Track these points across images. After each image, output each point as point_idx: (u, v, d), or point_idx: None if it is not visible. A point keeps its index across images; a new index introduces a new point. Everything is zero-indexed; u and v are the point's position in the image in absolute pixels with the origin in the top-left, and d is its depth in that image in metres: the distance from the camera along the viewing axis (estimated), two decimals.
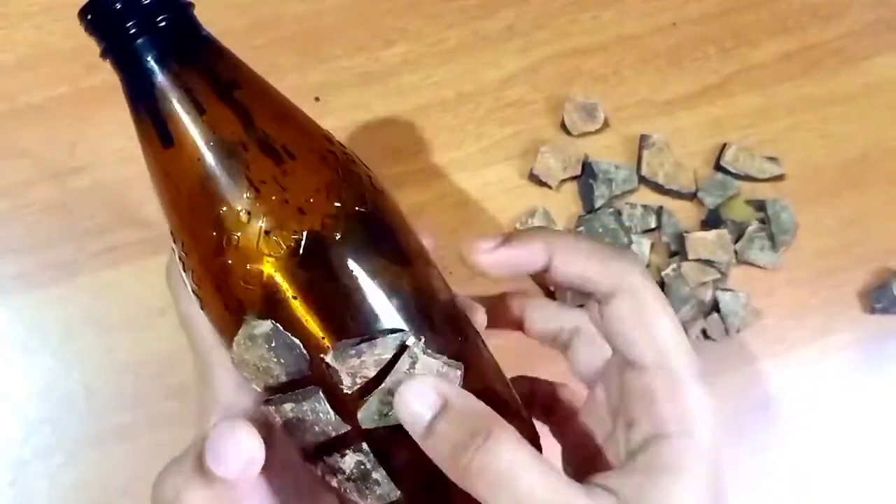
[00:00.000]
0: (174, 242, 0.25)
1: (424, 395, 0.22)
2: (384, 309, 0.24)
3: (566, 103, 0.44)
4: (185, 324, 0.28)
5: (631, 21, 0.46)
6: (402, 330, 0.23)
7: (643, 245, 0.41)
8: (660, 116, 0.44)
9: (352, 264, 0.23)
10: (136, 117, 0.24)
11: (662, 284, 0.40)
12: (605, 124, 0.44)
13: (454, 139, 0.44)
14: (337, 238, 0.23)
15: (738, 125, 0.44)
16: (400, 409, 0.22)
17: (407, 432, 0.23)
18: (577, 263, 0.25)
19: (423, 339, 0.24)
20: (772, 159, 0.43)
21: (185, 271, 0.25)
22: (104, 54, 0.24)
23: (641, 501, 0.21)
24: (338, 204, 0.24)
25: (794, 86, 0.45)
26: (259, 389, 0.24)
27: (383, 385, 0.23)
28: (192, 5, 0.24)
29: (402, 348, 0.23)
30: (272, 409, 0.24)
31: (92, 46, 0.24)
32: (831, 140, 0.44)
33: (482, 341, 0.28)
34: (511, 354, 0.40)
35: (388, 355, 0.23)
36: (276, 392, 0.24)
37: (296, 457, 0.26)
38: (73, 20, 0.24)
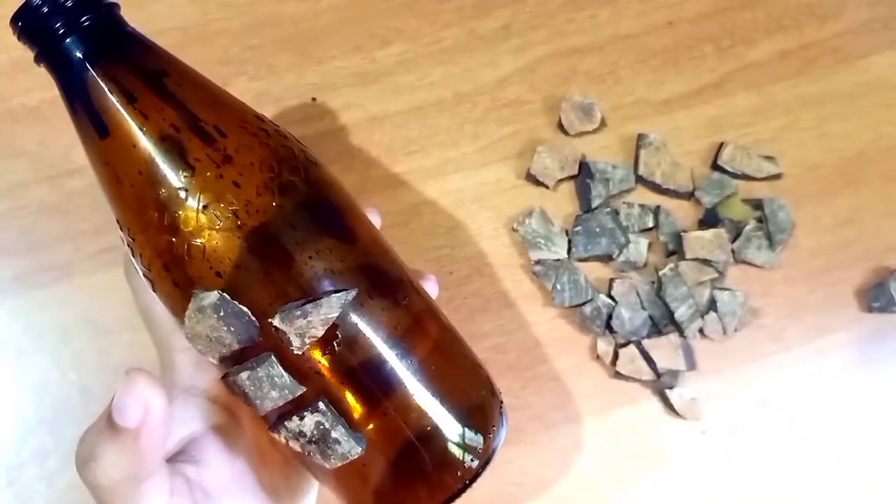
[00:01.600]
0: (121, 231, 0.26)
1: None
2: (324, 270, 0.25)
3: (563, 103, 0.43)
4: (144, 313, 0.29)
5: (627, 20, 0.46)
6: (345, 290, 0.24)
7: (641, 244, 0.41)
8: (657, 116, 0.44)
9: (288, 231, 0.25)
10: (73, 114, 0.25)
11: (660, 283, 0.40)
12: (602, 124, 0.44)
13: (451, 139, 0.44)
14: (272, 206, 0.24)
15: (735, 124, 0.44)
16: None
17: (375, 375, 0.25)
18: None
19: (365, 297, 0.25)
20: (769, 158, 0.43)
21: (133, 257, 0.26)
22: (37, 59, 0.25)
23: None
24: (271, 175, 0.25)
25: (790, 84, 0.45)
26: (215, 361, 0.25)
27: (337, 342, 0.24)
28: (116, 5, 0.26)
29: (351, 307, 0.24)
30: (230, 380, 0.25)
31: None
32: (828, 139, 0.44)
33: (433, 304, 0.29)
34: (510, 352, 0.40)
35: (334, 314, 0.24)
36: (232, 363, 0.25)
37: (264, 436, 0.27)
38: None
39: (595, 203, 0.42)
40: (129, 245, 0.26)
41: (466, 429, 0.26)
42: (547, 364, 0.40)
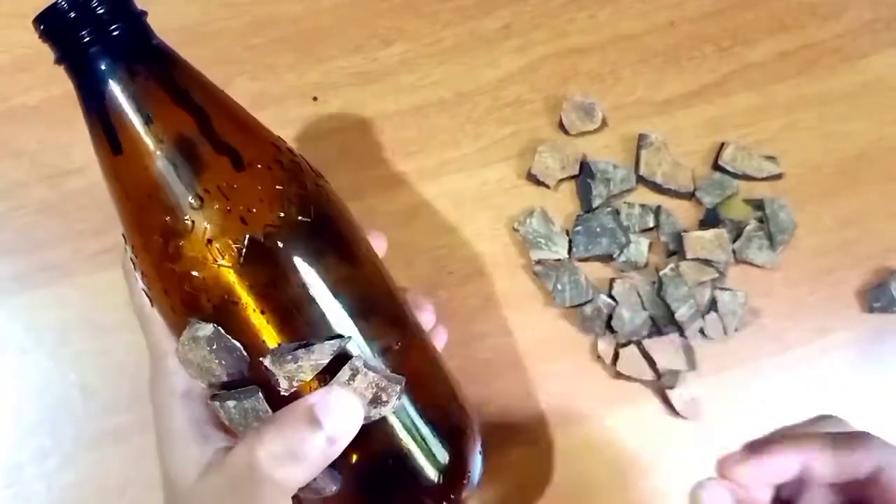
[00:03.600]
0: (126, 243, 0.26)
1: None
2: (322, 315, 0.25)
3: (564, 103, 0.43)
4: (139, 314, 0.29)
5: (628, 20, 0.46)
6: (340, 336, 0.24)
7: (641, 244, 0.41)
8: (658, 116, 0.44)
9: (291, 273, 0.24)
10: (89, 123, 0.25)
11: (661, 283, 0.40)
12: (603, 124, 0.44)
13: (452, 139, 0.44)
14: (278, 248, 0.24)
15: (735, 124, 0.44)
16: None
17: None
18: (842, 460, 0.25)
19: (360, 349, 0.25)
20: (770, 158, 0.43)
21: (135, 270, 0.26)
22: (59, 61, 0.24)
23: None
24: (281, 214, 0.24)
25: (791, 84, 0.45)
26: (204, 385, 0.26)
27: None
28: (144, 14, 0.25)
29: (343, 356, 0.24)
30: (217, 404, 0.25)
31: None
32: (829, 139, 0.44)
33: (425, 340, 0.29)
34: (510, 352, 0.40)
35: (325, 361, 0.24)
36: (220, 389, 0.25)
37: None
38: None
39: (596, 203, 0.42)
40: (131, 259, 0.26)
41: (441, 473, 0.27)
42: (547, 364, 0.40)
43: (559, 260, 0.41)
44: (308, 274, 0.24)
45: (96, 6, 0.23)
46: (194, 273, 0.24)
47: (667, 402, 0.40)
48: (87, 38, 0.23)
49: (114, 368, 0.39)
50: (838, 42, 0.46)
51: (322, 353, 0.24)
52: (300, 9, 0.45)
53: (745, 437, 0.39)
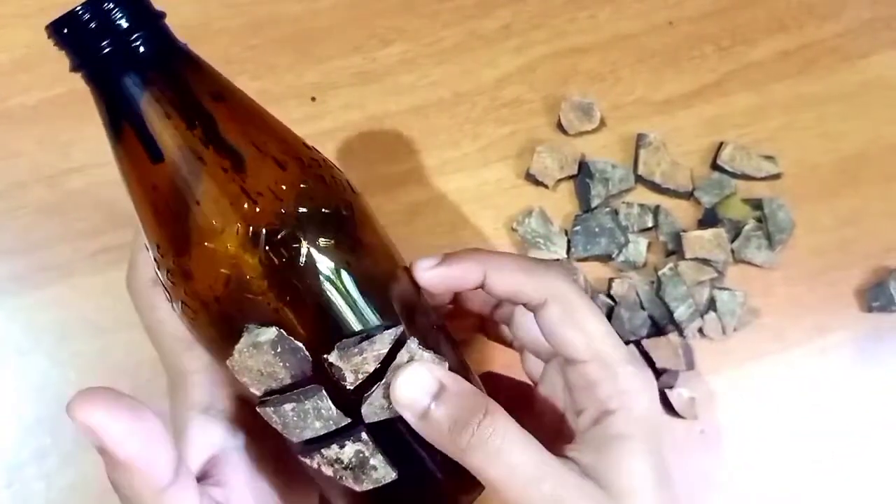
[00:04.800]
0: (158, 255, 0.25)
1: (422, 379, 0.24)
2: (376, 307, 0.25)
3: (563, 103, 0.43)
4: (154, 333, 0.29)
5: (627, 20, 0.46)
6: (394, 325, 0.25)
7: (640, 244, 0.41)
8: (656, 115, 0.44)
9: (344, 268, 0.24)
10: (115, 134, 0.24)
11: (659, 283, 0.40)
12: (602, 123, 0.44)
13: (451, 139, 0.44)
14: (332, 244, 0.24)
15: (734, 124, 0.44)
16: (400, 392, 0.24)
17: (404, 419, 0.24)
18: (509, 279, 0.27)
19: (415, 336, 0.25)
20: (768, 158, 0.43)
21: (172, 283, 0.25)
22: (77, 69, 0.23)
23: (597, 466, 0.25)
24: (328, 211, 0.25)
25: (790, 84, 0.45)
26: (258, 393, 0.25)
27: (385, 380, 0.24)
28: (163, 15, 0.24)
29: (399, 344, 0.24)
30: (270, 409, 0.24)
31: None
32: (828, 138, 0.44)
33: (450, 334, 0.29)
34: (509, 353, 0.40)
35: (385, 350, 0.24)
36: (276, 393, 0.25)
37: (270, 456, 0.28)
38: None
39: (594, 203, 0.42)
40: (165, 272, 0.25)
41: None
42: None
43: (558, 260, 0.41)
44: (360, 268, 0.25)
45: (116, 13, 0.22)
46: (251, 278, 0.23)
47: (665, 401, 0.40)
48: (109, 50, 0.22)
49: (113, 368, 0.39)
50: (837, 42, 0.46)
51: (383, 343, 0.24)
52: (299, 9, 0.45)
53: (744, 437, 0.39)
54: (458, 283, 0.27)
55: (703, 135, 0.44)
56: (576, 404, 0.27)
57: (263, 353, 0.24)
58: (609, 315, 0.40)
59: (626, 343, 0.40)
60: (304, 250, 0.23)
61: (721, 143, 0.43)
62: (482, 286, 0.27)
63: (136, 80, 0.23)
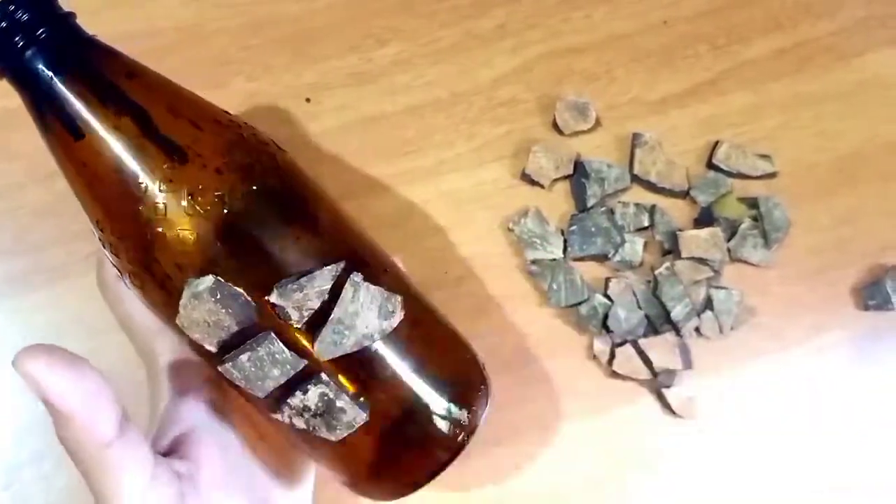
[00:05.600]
0: (101, 233, 0.26)
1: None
2: (311, 247, 0.26)
3: (558, 102, 0.43)
4: (123, 323, 0.29)
5: (622, 20, 0.46)
6: (335, 261, 0.25)
7: (636, 244, 0.41)
8: (652, 115, 0.44)
9: (273, 212, 0.26)
10: (42, 122, 0.25)
11: (656, 282, 0.40)
12: (597, 123, 0.44)
13: (446, 139, 0.44)
14: (255, 190, 0.25)
15: (730, 123, 0.44)
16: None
17: (361, 354, 0.25)
18: None
19: (349, 272, 0.26)
20: (764, 157, 0.43)
21: (117, 257, 0.26)
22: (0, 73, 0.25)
23: None
24: (249, 161, 0.26)
25: (786, 83, 0.45)
26: (213, 349, 0.25)
27: (332, 315, 0.25)
28: (72, 15, 0.26)
29: (343, 278, 0.25)
30: (230, 365, 0.25)
31: None
32: (824, 137, 0.44)
33: (410, 282, 0.30)
34: (506, 352, 0.40)
35: (328, 285, 0.25)
36: (230, 348, 0.25)
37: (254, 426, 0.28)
38: None
39: (590, 202, 0.42)
40: (109, 247, 0.26)
41: (451, 404, 0.27)
42: (543, 364, 0.40)
43: (554, 260, 0.41)
44: (289, 210, 0.26)
45: (19, 15, 0.24)
46: (181, 231, 0.24)
47: (663, 401, 0.40)
48: (20, 45, 0.24)
49: (108, 370, 0.38)
50: (833, 40, 0.46)
51: (324, 278, 0.25)
52: (296, 9, 0.46)
53: (742, 436, 0.39)
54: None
55: (698, 134, 0.44)
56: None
57: (204, 302, 0.24)
58: (605, 315, 0.40)
59: (623, 343, 0.40)
60: (226, 199, 0.25)
61: (717, 142, 0.43)
62: None
63: (50, 68, 0.25)
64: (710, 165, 0.43)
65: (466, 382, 0.29)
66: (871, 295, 0.41)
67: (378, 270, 0.28)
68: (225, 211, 0.25)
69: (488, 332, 0.41)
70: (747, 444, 0.40)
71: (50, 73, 0.25)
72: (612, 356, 0.40)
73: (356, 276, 0.25)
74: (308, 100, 0.44)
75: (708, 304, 0.41)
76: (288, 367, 0.25)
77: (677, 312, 0.40)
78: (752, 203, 0.42)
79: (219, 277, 0.24)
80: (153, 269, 0.25)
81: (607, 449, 0.39)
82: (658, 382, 0.40)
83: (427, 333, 0.29)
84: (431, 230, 0.42)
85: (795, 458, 0.40)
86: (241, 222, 0.25)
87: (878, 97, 0.45)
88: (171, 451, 0.27)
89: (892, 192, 0.44)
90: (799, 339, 0.41)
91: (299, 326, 0.25)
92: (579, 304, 0.40)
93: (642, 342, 0.40)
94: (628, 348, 0.40)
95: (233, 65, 0.44)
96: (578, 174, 0.42)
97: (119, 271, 0.27)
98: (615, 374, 0.40)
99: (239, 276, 0.25)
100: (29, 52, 0.24)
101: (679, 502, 0.39)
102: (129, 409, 0.38)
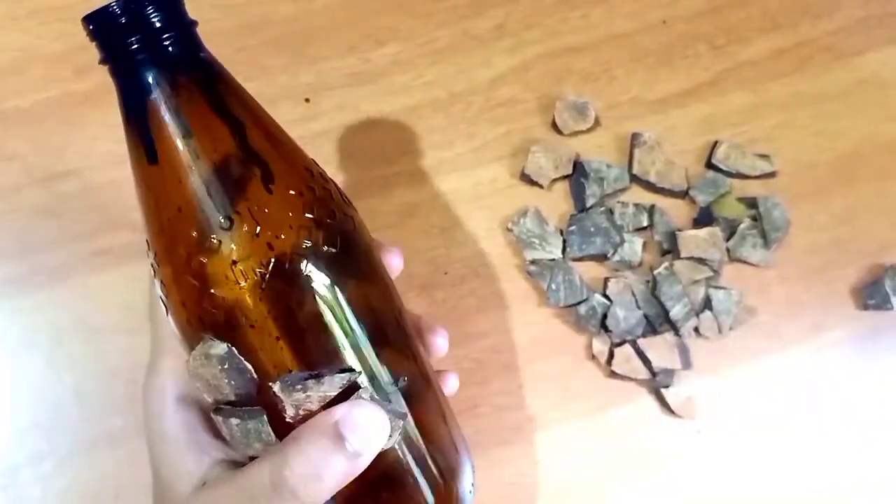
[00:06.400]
0: (147, 247, 0.25)
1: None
2: (335, 348, 0.24)
3: (557, 102, 0.43)
4: (151, 307, 0.29)
5: (621, 19, 0.46)
6: (350, 370, 0.24)
7: (635, 243, 0.41)
8: (651, 115, 0.44)
9: (310, 304, 0.24)
10: (127, 128, 0.24)
11: (655, 282, 0.40)
12: (597, 123, 0.44)
13: (445, 139, 0.44)
14: (300, 276, 0.24)
15: (729, 123, 0.44)
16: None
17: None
18: None
19: (371, 385, 0.25)
20: (763, 156, 0.43)
21: (154, 277, 0.25)
22: (104, 62, 0.24)
23: None
24: (307, 242, 0.24)
25: (785, 83, 0.45)
26: (210, 400, 0.25)
27: None
28: (195, 24, 0.25)
29: (351, 389, 0.24)
30: (220, 419, 0.25)
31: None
32: (823, 137, 0.44)
33: (430, 376, 0.28)
34: (505, 352, 0.40)
35: (333, 393, 0.24)
36: (226, 404, 0.25)
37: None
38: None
39: (589, 202, 0.42)
40: (152, 266, 0.25)
41: (444, 482, 0.27)
42: (542, 364, 0.40)
43: (553, 260, 0.41)
44: (326, 306, 0.24)
45: (150, 13, 0.23)
46: (214, 291, 0.24)
47: (662, 401, 0.40)
48: (136, 46, 0.23)
49: (108, 372, 0.39)
50: (831, 40, 0.46)
51: (331, 386, 0.24)
52: (293, 9, 0.45)
53: (741, 436, 0.39)
54: None
55: (697, 134, 0.44)
56: None
57: (212, 366, 0.24)
58: (604, 315, 0.40)
59: (622, 343, 0.40)
60: (268, 277, 0.23)
61: (716, 142, 0.43)
62: None
63: (153, 80, 0.23)
64: (710, 165, 0.43)
65: (455, 470, 0.28)
66: (870, 294, 0.41)
67: (397, 378, 0.26)
68: (262, 287, 0.24)
69: (487, 332, 0.41)
70: (746, 444, 0.40)
71: (152, 87, 0.23)
72: (611, 356, 0.40)
73: (364, 394, 0.24)
74: (307, 100, 0.44)
75: (707, 303, 0.41)
76: (270, 448, 0.25)
77: (676, 312, 0.40)
78: (752, 203, 0.42)
79: (232, 348, 0.24)
80: (181, 308, 0.25)
81: (606, 448, 0.39)
82: (657, 382, 0.40)
83: (426, 427, 0.28)
84: (431, 230, 0.42)
85: (794, 457, 0.40)
86: (274, 303, 0.24)
87: (877, 97, 0.45)
88: None
89: (891, 192, 0.44)
90: (798, 338, 0.41)
91: (291, 422, 0.24)
92: (578, 303, 0.40)
93: (641, 342, 0.40)
94: (627, 348, 0.40)
95: (230, 66, 0.43)
96: (577, 174, 0.42)
97: (156, 280, 0.26)
98: (614, 374, 0.40)
99: (253, 353, 0.24)
100: (142, 56, 0.23)
101: (678, 502, 0.39)
102: (129, 409, 0.38)
